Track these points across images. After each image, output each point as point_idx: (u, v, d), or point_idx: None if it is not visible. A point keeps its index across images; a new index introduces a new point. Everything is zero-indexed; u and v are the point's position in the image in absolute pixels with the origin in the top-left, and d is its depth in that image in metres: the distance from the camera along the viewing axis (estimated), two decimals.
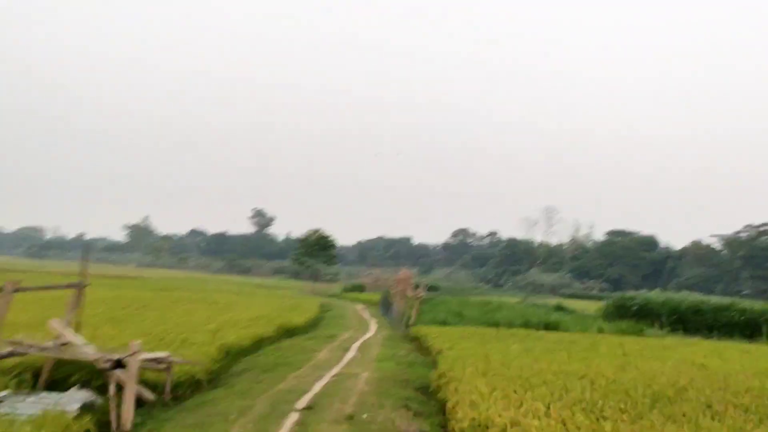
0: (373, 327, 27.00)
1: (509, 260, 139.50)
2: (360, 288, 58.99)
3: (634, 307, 34.72)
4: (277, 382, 11.61)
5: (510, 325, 24.50)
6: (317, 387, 11.11)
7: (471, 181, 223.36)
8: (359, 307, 41.55)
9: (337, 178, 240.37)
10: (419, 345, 19.51)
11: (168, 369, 9.67)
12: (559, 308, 50.93)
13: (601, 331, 25.51)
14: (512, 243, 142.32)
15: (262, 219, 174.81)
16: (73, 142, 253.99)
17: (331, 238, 68.29)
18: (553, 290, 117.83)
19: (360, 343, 19.07)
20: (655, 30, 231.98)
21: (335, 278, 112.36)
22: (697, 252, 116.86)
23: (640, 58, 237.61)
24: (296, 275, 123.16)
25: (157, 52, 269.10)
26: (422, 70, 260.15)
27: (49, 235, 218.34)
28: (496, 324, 24.29)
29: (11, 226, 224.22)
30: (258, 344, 16.84)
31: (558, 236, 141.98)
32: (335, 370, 13.21)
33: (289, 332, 20.60)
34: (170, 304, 25.13)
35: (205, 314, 21.51)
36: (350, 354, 16.22)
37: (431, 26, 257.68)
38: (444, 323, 23.57)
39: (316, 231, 67.77)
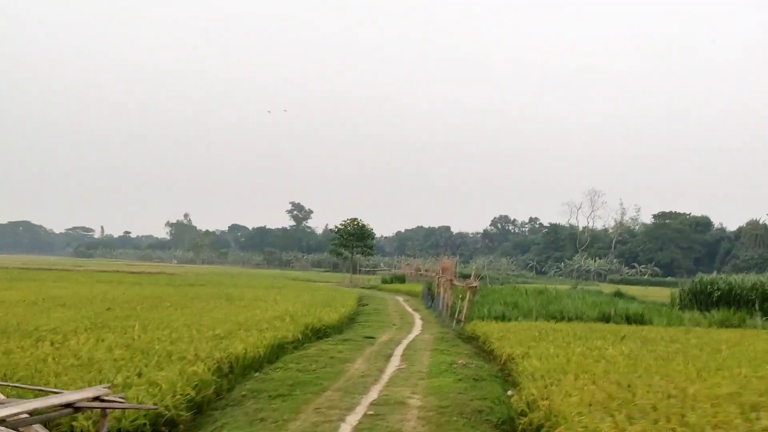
0: (418, 323, 23.03)
1: (552, 246, 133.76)
2: (400, 279, 54.93)
3: (716, 293, 29.87)
4: (289, 417, 7.77)
5: (581, 317, 20.25)
6: (346, 430, 7.23)
7: (510, 168, 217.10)
8: (400, 299, 37.63)
9: (374, 169, 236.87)
10: (479, 347, 15.47)
11: (103, 416, 5.89)
12: (619, 295, 46.12)
13: (696, 323, 21.01)
14: (554, 228, 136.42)
15: (300, 212, 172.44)
16: (118, 146, 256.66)
17: (368, 227, 64.42)
18: (600, 276, 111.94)
19: (405, 347, 15.13)
20: (702, 9, 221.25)
21: (374, 269, 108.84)
22: (755, 232, 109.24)
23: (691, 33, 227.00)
24: (335, 267, 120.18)
25: (193, 54, 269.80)
26: (458, 61, 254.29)
27: (96, 235, 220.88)
28: (564, 317, 20.07)
29: (61, 227, 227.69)
30: (277, 352, 13.07)
31: (602, 220, 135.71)
32: (374, 394, 9.27)
33: (318, 333, 16.77)
34: (186, 302, 21.60)
35: (222, 313, 17.86)
36: (393, 364, 12.28)
37: (476, 22, 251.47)
38: (503, 317, 19.45)
39: (353, 220, 64.01)
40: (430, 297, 35.71)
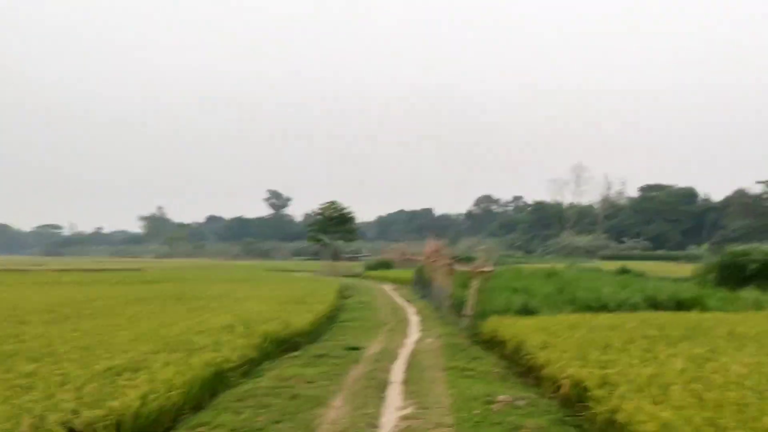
0: (414, 320, 18.48)
1: (538, 225, 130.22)
2: (386, 264, 50.25)
3: (752, 267, 25.68)
4: None
5: (622, 305, 15.78)
6: None
7: (492, 146, 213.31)
8: (388, 288, 33.11)
9: (353, 153, 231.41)
10: (510, 357, 10.89)
11: None
12: (625, 272, 42.06)
13: (758, 306, 16.67)
14: (540, 206, 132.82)
15: (278, 200, 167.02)
16: (85, 137, 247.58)
17: (348, 211, 59.64)
18: (590, 253, 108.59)
19: (405, 363, 10.53)
20: None
21: (357, 256, 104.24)
22: (742, 201, 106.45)
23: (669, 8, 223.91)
24: (316, 255, 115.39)
25: (164, 43, 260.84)
26: (437, 35, 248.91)
27: (66, 232, 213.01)
28: (602, 306, 15.59)
29: (28, 225, 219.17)
30: (211, 387, 8.41)
31: (589, 196, 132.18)
32: None
33: (283, 345, 12.11)
34: (119, 307, 16.76)
35: (153, 323, 13.07)
36: (393, 403, 7.65)
37: None
38: (526, 311, 14.89)
39: (331, 203, 59.20)
40: (422, 284, 31.29)
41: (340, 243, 67.11)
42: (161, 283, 31.00)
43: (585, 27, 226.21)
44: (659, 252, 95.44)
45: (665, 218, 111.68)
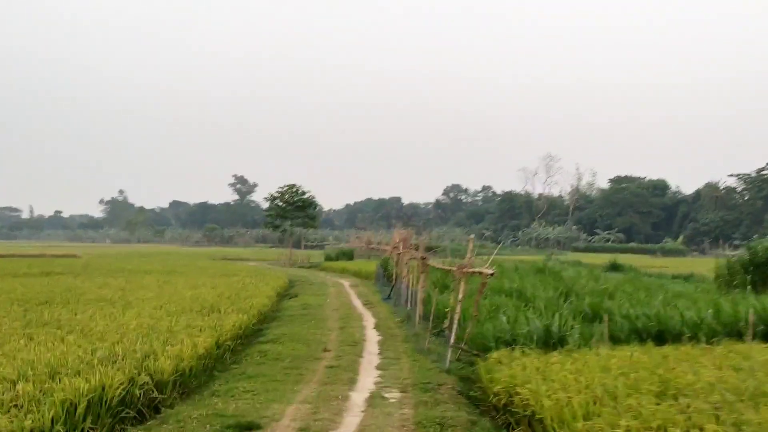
0: (373, 338, 12.59)
1: (507, 215, 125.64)
2: (348, 255, 44.18)
3: None
4: None
5: (694, 331, 10.05)
6: None
7: (462, 135, 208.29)
8: (346, 283, 27.16)
9: (321, 139, 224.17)
10: None
11: None
12: (615, 268, 36.92)
13: None
14: (509, 196, 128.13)
15: (243, 186, 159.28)
16: (48, 119, 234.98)
17: (310, 195, 53.26)
18: (560, 244, 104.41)
19: None
20: None
21: (322, 244, 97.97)
22: (714, 194, 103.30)
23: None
24: (280, 243, 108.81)
25: (128, 20, 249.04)
26: (410, 24, 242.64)
27: (25, 215, 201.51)
28: (659, 334, 9.89)
29: None
30: None
31: (559, 186, 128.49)
32: None
33: (133, 406, 6.15)
34: None
35: None
36: None
37: None
38: (547, 341, 9.09)
39: (291, 186, 52.79)
40: (385, 280, 25.46)
41: (300, 230, 61.21)
42: (65, 275, 24.57)
43: (554, 21, 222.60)
44: (631, 245, 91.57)
45: (636, 210, 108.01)
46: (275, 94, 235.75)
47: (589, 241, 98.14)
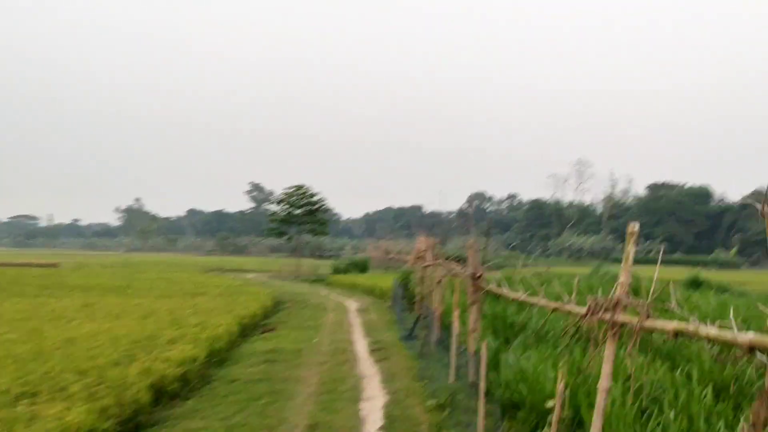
0: None
1: (536, 224, 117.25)
2: (360, 266, 36.36)
3: None
4: None
5: None
6: None
7: (485, 141, 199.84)
8: (354, 306, 19.74)
9: (340, 146, 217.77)
10: None
11: None
12: (697, 285, 29.00)
13: None
14: (537, 204, 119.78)
15: (260, 194, 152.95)
16: (67, 130, 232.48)
17: (319, 198, 46.06)
18: (594, 255, 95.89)
19: None
20: None
21: (339, 254, 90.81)
22: (762, 202, 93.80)
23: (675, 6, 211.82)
24: (294, 252, 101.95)
25: (146, 31, 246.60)
26: (433, 29, 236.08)
27: (43, 223, 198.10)
28: None
29: (4, 215, 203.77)
30: None
31: (591, 194, 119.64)
32: None
33: None
34: None
35: None
36: None
37: None
38: None
39: (298, 188, 45.66)
40: (406, 304, 18.01)
41: (309, 238, 54.20)
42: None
43: (589, 23, 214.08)
44: (676, 256, 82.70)
45: (677, 219, 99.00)
46: (293, 102, 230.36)
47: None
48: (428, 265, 15.22)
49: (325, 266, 43.28)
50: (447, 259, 17.42)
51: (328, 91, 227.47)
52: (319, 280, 32.32)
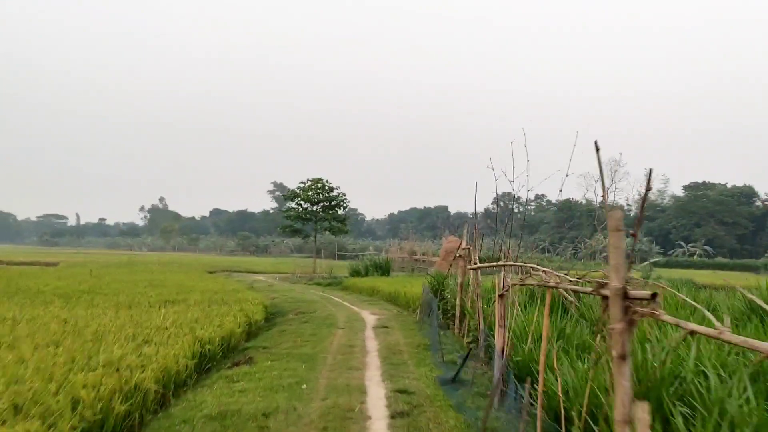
0: None
1: (566, 225, 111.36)
2: (383, 268, 30.72)
3: None
4: None
5: None
6: None
7: (512, 140, 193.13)
8: (371, 319, 15.00)
9: (364, 146, 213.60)
10: None
11: None
12: None
13: None
14: (567, 204, 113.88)
15: (283, 193, 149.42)
16: (96, 130, 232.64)
17: (340, 193, 41.54)
18: (632, 258, 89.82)
19: None
20: None
21: (362, 254, 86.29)
22: None
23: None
24: (318, 253, 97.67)
25: (170, 36, 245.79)
26: (461, 33, 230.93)
27: (71, 223, 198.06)
28: None
29: (34, 214, 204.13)
30: None
31: (625, 194, 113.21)
32: None
33: None
34: None
35: None
36: None
37: None
38: None
39: (317, 180, 41.21)
40: (443, 320, 13.31)
41: (327, 236, 49.85)
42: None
43: (621, 22, 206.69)
44: (722, 260, 76.26)
45: (719, 221, 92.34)
46: (316, 102, 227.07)
47: (668, 255, 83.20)
48: (473, 267, 10.65)
49: (343, 267, 38.67)
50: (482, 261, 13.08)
51: (352, 94, 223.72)
52: (334, 283, 27.70)
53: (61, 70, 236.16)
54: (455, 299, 13.10)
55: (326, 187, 41.12)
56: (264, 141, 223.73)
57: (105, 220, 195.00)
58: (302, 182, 41.31)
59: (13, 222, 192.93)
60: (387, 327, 13.36)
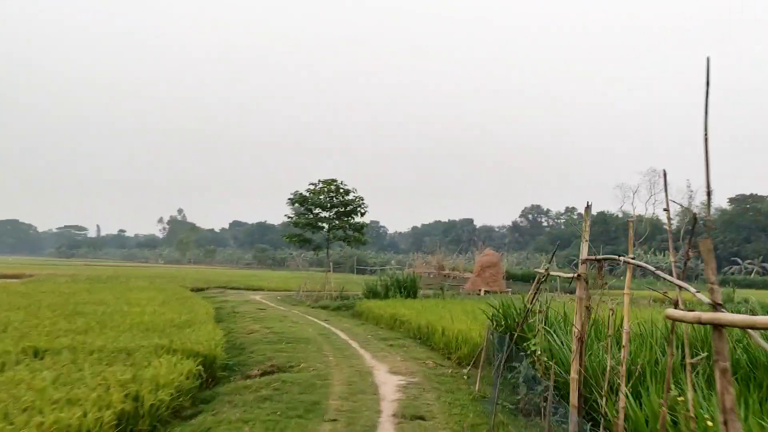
0: None
1: (601, 239, 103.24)
2: (408, 287, 22.91)
3: None
4: None
5: None
6: None
7: (541, 151, 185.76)
8: (389, 389, 8.27)
9: (385, 158, 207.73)
10: None
11: None
12: None
13: None
14: (603, 217, 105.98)
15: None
16: (116, 142, 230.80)
17: (357, 197, 34.83)
18: (676, 275, 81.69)
19: None
20: None
21: (382, 269, 79.58)
22: None
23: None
24: (337, 267, 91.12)
25: (190, 48, 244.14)
26: (481, 40, 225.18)
27: (92, 234, 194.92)
28: None
29: (53, 226, 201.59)
30: None
31: (664, 207, 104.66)
32: None
33: None
34: None
35: None
36: None
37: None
38: None
39: (329, 182, 34.62)
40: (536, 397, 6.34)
41: (342, 248, 43.10)
42: None
43: (656, 29, 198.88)
44: None
45: None
46: (337, 114, 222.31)
47: (722, 273, 74.85)
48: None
49: (359, 284, 31.74)
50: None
51: (372, 105, 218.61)
52: (344, 306, 20.86)
53: (83, 78, 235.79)
54: (558, 356, 6.40)
55: (341, 190, 34.40)
56: (283, 151, 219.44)
57: (125, 231, 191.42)
58: (312, 183, 34.69)
59: (33, 234, 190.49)
60: (421, 416, 6.63)
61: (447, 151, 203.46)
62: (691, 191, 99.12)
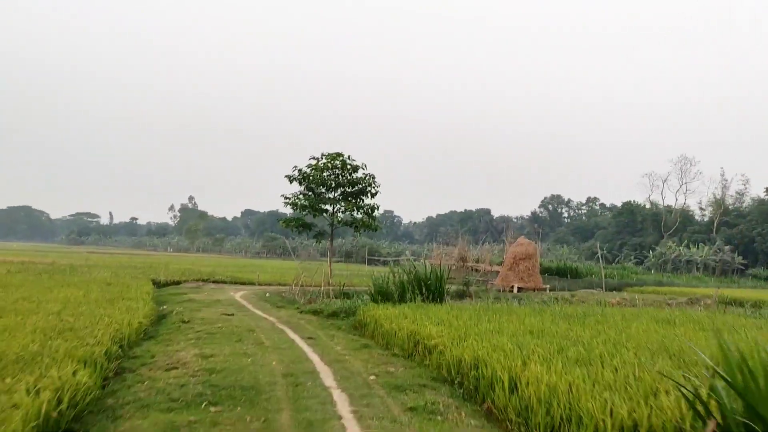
0: None
1: (627, 230, 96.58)
2: (430, 287, 15.00)
3: None
4: None
5: None
6: None
7: (561, 140, 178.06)
8: None
9: (400, 147, 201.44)
10: None
11: None
12: None
13: None
14: (629, 208, 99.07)
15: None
16: (130, 130, 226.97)
17: (367, 174, 28.69)
18: (708, 269, 74.96)
19: None
20: None
21: (397, 260, 73.66)
22: None
23: None
24: (348, 257, 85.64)
25: (204, 39, 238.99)
26: (502, 27, 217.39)
27: (104, 221, 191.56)
28: None
29: (66, 213, 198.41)
30: None
31: (697, 197, 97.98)
32: None
33: None
34: None
35: None
36: None
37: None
38: None
39: (334, 156, 28.57)
40: None
41: (349, 236, 37.20)
42: None
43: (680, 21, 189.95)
44: None
45: None
46: (350, 104, 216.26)
47: (759, 266, 67.97)
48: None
49: (368, 277, 25.11)
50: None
51: (389, 96, 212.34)
52: (342, 312, 14.83)
53: (98, 73, 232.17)
54: None
55: (348, 166, 28.24)
56: (296, 140, 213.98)
57: (136, 219, 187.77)
58: (314, 158, 28.57)
59: (46, 220, 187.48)
60: None
61: (462, 141, 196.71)
62: (725, 180, 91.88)
